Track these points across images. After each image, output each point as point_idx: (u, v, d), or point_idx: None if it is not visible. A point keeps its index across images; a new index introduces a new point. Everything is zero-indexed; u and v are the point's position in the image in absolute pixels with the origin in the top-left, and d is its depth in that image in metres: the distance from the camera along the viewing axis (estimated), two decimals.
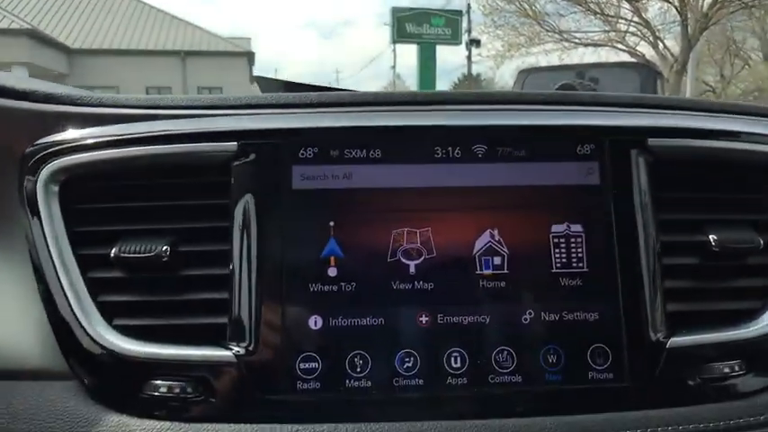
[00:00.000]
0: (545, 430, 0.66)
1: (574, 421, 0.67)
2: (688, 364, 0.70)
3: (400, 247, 0.70)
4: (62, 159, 0.71)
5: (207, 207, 0.72)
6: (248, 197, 0.71)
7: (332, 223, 0.70)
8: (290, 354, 0.67)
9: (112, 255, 0.70)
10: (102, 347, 0.68)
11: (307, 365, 0.67)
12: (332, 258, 0.70)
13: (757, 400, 0.71)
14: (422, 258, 0.70)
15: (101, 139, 0.73)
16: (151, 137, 0.73)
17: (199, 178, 0.73)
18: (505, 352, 0.69)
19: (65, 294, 0.69)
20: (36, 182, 0.71)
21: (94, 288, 0.71)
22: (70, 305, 0.69)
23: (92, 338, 0.68)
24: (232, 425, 0.65)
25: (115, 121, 0.75)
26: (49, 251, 0.70)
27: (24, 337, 0.72)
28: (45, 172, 0.71)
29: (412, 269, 0.70)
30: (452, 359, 0.68)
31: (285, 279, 0.69)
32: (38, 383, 0.70)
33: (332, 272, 0.69)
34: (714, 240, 0.74)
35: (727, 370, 0.70)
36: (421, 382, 0.68)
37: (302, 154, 0.72)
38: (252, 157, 0.71)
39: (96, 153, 0.73)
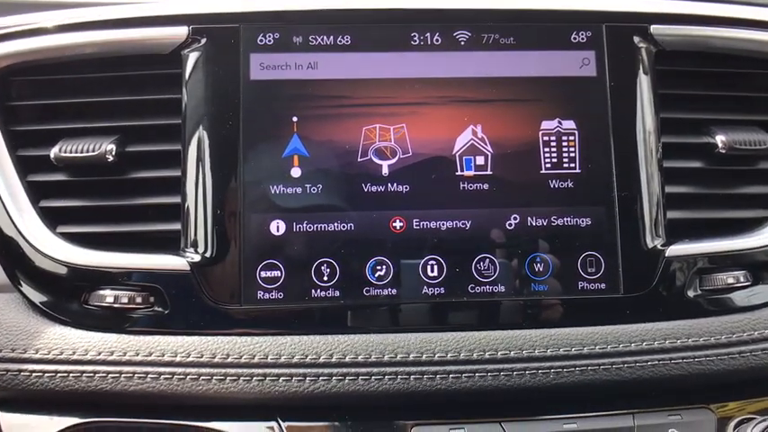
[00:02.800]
0: (530, 343, 0.60)
1: (562, 334, 0.61)
2: (688, 274, 0.64)
3: (372, 146, 0.63)
4: None
5: (156, 102, 0.65)
6: (201, 90, 0.63)
7: (295, 118, 0.63)
8: (251, 261, 0.61)
9: (53, 155, 0.63)
10: (44, 256, 0.61)
11: (269, 274, 0.61)
12: (295, 157, 0.63)
13: (763, 313, 0.65)
14: (396, 158, 0.63)
15: (39, 25, 0.65)
16: (96, 22, 0.65)
17: (147, 69, 0.65)
18: (487, 260, 0.62)
19: (1, 200, 0.63)
20: None
21: (35, 192, 0.64)
22: (7, 211, 0.62)
23: (32, 246, 0.61)
24: (186, 337, 0.59)
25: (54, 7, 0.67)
26: None
27: None
28: None
29: (385, 170, 0.63)
30: (429, 267, 0.62)
31: (244, 181, 0.62)
32: None
33: (295, 172, 0.62)
34: (721, 142, 0.66)
35: (730, 281, 0.64)
36: (394, 291, 0.61)
37: (261, 40, 0.63)
38: (204, 43, 0.63)
39: (35, 40, 0.64)
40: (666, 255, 0.63)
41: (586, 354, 0.60)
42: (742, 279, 0.65)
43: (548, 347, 0.60)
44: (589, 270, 0.63)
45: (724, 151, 0.66)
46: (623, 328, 0.62)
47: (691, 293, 0.64)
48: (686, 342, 0.62)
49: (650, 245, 0.64)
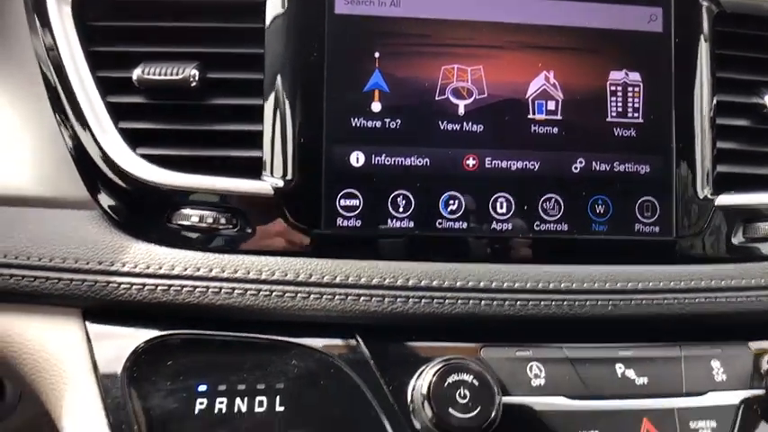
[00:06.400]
0: (589, 278, 0.64)
1: (619, 271, 0.65)
2: (735, 222, 0.69)
3: (449, 85, 0.66)
4: None
5: (240, 31, 0.66)
6: (285, 20, 0.64)
7: (377, 54, 0.65)
8: (331, 190, 0.64)
9: (136, 77, 0.63)
10: (128, 175, 0.62)
11: (348, 202, 0.64)
12: (376, 92, 0.65)
13: None
14: (472, 98, 0.66)
15: None
16: None
17: None
18: (553, 200, 0.66)
19: (85, 119, 0.63)
20: None
21: (116, 114, 0.65)
22: (91, 130, 0.63)
23: (116, 165, 0.63)
24: (268, 257, 0.62)
25: None
26: (64, 72, 0.64)
27: (38, 162, 0.66)
28: None
29: (461, 109, 0.66)
30: (498, 204, 0.66)
31: (326, 112, 0.64)
32: (54, 211, 0.65)
33: (375, 107, 0.65)
34: None
35: None
36: (464, 225, 0.65)
37: None
38: None
39: None
40: (716, 203, 0.68)
41: (641, 289, 0.65)
42: None
43: (606, 281, 0.64)
44: (645, 214, 0.67)
45: None
46: (674, 268, 0.67)
47: (735, 240, 0.69)
48: (729, 283, 0.67)
49: (701, 194, 0.68)
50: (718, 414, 0.62)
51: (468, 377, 0.56)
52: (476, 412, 0.55)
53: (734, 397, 0.63)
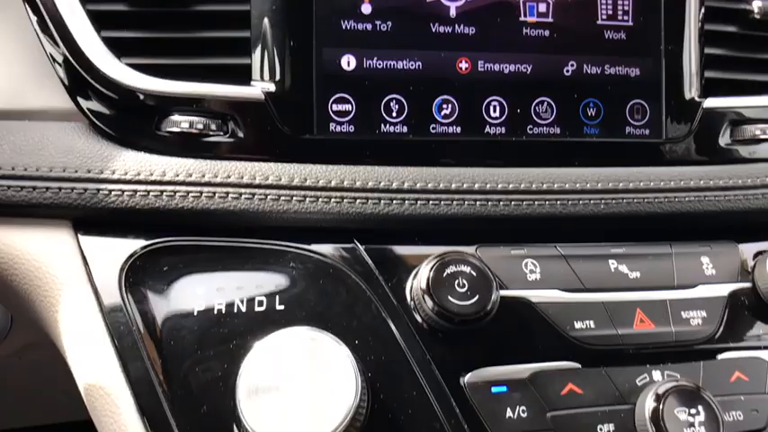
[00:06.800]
0: (582, 179, 0.65)
1: (610, 173, 0.66)
2: (722, 125, 0.70)
3: None
4: None
5: None
6: None
7: None
8: (322, 94, 0.63)
9: None
10: (114, 83, 0.61)
11: (340, 107, 0.63)
12: None
13: None
14: (463, 0, 0.65)
15: None
16: None
17: None
18: (545, 103, 0.66)
19: (66, 28, 0.61)
20: None
21: (99, 22, 0.62)
22: (74, 39, 0.61)
23: (101, 74, 0.61)
24: (261, 163, 0.61)
25: None
26: None
27: (20, 74, 0.64)
28: None
29: (452, 11, 0.65)
30: (491, 108, 0.65)
31: (315, 14, 0.62)
32: (39, 123, 0.63)
33: (366, 8, 0.63)
34: (757, 7, 0.71)
35: (757, 132, 0.70)
36: (458, 129, 0.65)
37: None
38: None
39: None
40: (704, 106, 0.69)
41: (632, 189, 0.66)
42: (767, 132, 0.71)
43: (598, 182, 0.65)
44: (636, 116, 0.68)
45: (759, 17, 0.71)
46: (663, 169, 0.68)
47: (722, 142, 0.70)
48: (717, 183, 0.68)
49: (690, 96, 0.69)
50: (708, 305, 0.64)
51: (465, 268, 0.57)
52: (475, 299, 0.56)
53: (722, 289, 0.65)
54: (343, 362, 0.50)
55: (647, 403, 0.56)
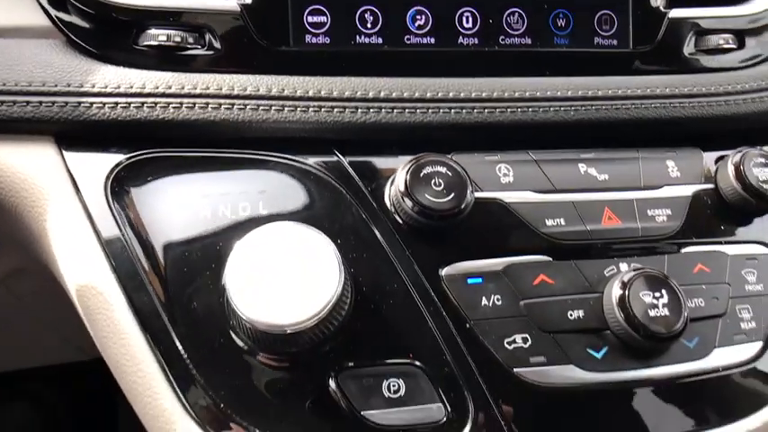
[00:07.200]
0: (552, 87, 0.67)
1: (580, 82, 0.68)
2: (687, 35, 0.72)
3: None
4: None
5: None
6: None
7: None
8: (298, 5, 0.64)
9: None
10: None
11: (315, 19, 0.64)
12: None
13: (744, 73, 0.74)
14: None
15: None
16: None
17: None
18: (517, 14, 0.68)
19: None
20: None
21: None
22: None
23: None
24: (239, 75, 0.62)
25: None
26: None
27: None
28: None
29: None
30: (464, 19, 0.67)
31: None
32: (15, 41, 0.63)
33: None
34: None
35: (720, 42, 0.73)
36: (432, 40, 0.66)
37: None
38: None
39: None
40: (669, 16, 0.71)
41: (601, 96, 0.68)
42: (730, 42, 0.74)
43: (568, 90, 0.67)
44: (604, 27, 0.70)
45: None
46: (632, 78, 0.70)
47: (687, 52, 0.73)
48: (683, 90, 0.71)
49: (656, 5, 0.71)
50: (672, 204, 0.67)
51: (441, 168, 0.59)
52: (451, 196, 0.58)
53: (686, 190, 0.68)
54: (325, 250, 0.52)
55: (614, 290, 0.59)
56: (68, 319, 0.72)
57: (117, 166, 0.60)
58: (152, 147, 0.62)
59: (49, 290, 0.77)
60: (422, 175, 0.59)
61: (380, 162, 0.64)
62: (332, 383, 0.54)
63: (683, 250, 0.66)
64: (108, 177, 0.59)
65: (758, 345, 0.64)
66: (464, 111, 0.65)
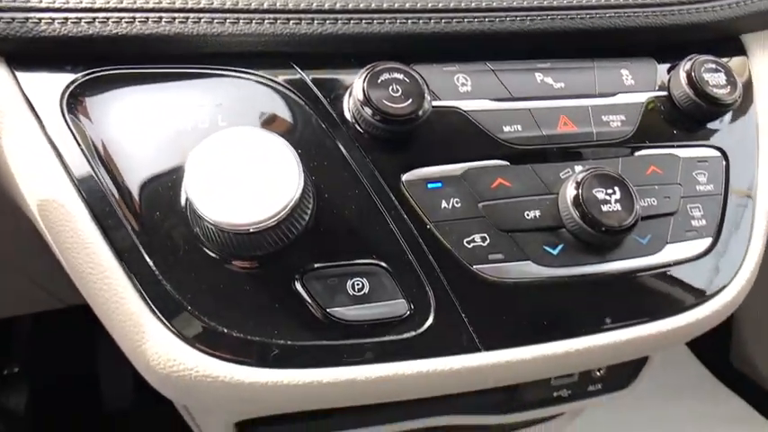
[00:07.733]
0: None
1: None
2: None
3: None
4: None
5: None
6: None
7: None
8: None
9: None
10: None
11: None
12: None
13: None
14: None
15: None
16: None
17: None
18: None
19: None
20: None
21: None
22: None
23: None
24: None
25: None
26: None
27: None
28: None
29: None
30: None
31: None
32: None
33: None
34: None
35: None
36: None
37: None
38: None
39: None
40: None
41: (556, 6, 0.69)
42: None
43: (524, 0, 0.68)
44: None
45: None
46: None
47: None
48: (636, 0, 0.72)
49: None
50: (626, 110, 0.69)
51: (398, 75, 0.60)
52: (409, 101, 0.59)
53: (640, 97, 0.70)
54: (283, 152, 0.53)
55: (569, 189, 0.61)
56: (35, 256, 0.72)
57: (72, 83, 0.59)
58: (108, 65, 0.61)
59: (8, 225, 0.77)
60: (379, 81, 0.59)
61: (339, 74, 0.65)
62: (297, 285, 0.56)
63: (637, 153, 0.68)
64: (63, 95, 0.59)
65: (708, 240, 0.68)
66: (421, 21, 0.65)
